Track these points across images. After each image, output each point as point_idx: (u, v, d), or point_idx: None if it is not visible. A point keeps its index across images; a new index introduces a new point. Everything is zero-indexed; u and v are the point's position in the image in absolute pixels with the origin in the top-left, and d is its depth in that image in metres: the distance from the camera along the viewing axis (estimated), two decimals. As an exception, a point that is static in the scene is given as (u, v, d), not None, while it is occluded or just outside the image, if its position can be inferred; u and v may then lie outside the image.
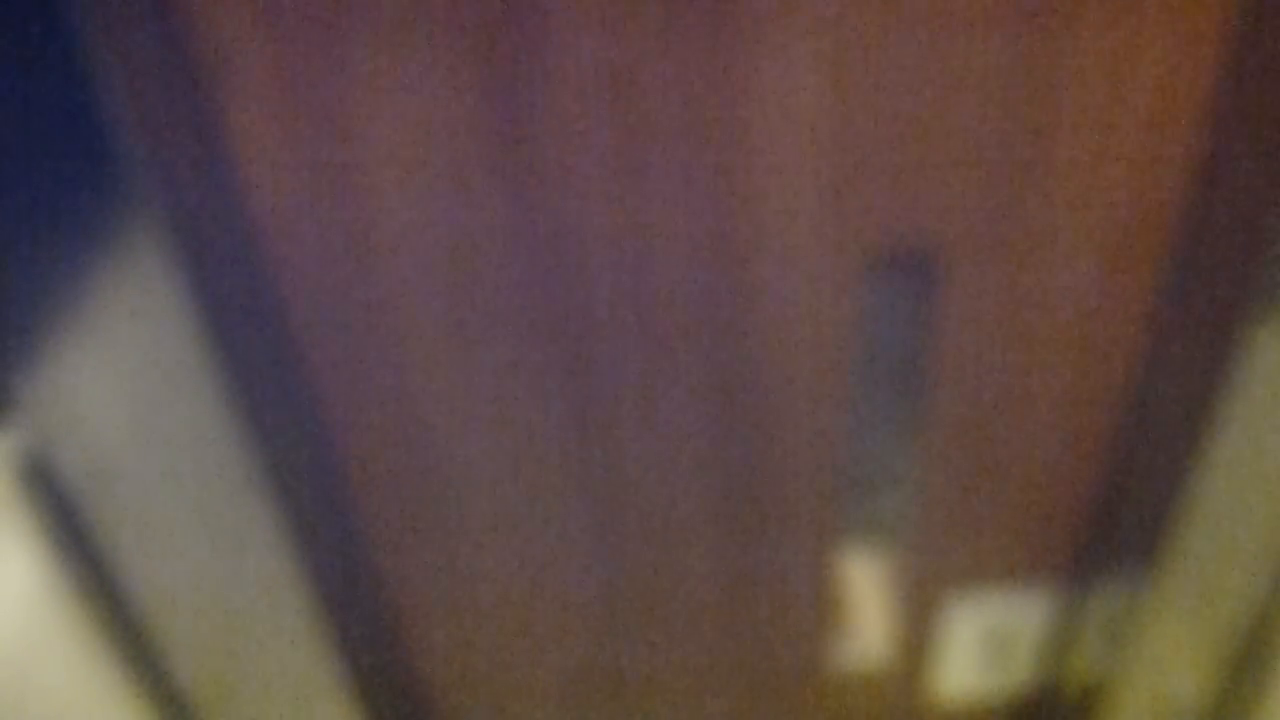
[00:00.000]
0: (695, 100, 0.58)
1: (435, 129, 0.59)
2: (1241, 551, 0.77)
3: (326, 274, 0.65)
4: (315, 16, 0.54)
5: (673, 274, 0.66)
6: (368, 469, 0.76)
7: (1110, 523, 0.80)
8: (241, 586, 0.74)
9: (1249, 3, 0.58)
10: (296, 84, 0.57)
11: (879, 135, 0.61)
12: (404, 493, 0.78)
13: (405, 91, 0.57)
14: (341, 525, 0.79)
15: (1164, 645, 0.84)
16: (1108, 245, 0.66)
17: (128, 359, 0.60)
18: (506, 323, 0.68)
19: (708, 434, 0.77)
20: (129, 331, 0.58)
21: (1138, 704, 0.90)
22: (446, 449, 0.76)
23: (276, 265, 0.64)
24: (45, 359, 0.61)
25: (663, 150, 0.60)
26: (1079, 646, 0.89)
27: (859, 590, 0.90)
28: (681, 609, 0.91)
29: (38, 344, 0.60)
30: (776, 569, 0.82)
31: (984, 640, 0.89)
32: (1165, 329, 0.70)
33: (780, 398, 0.75)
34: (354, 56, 0.56)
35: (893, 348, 0.76)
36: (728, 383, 0.74)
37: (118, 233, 0.54)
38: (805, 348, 0.71)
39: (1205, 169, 0.64)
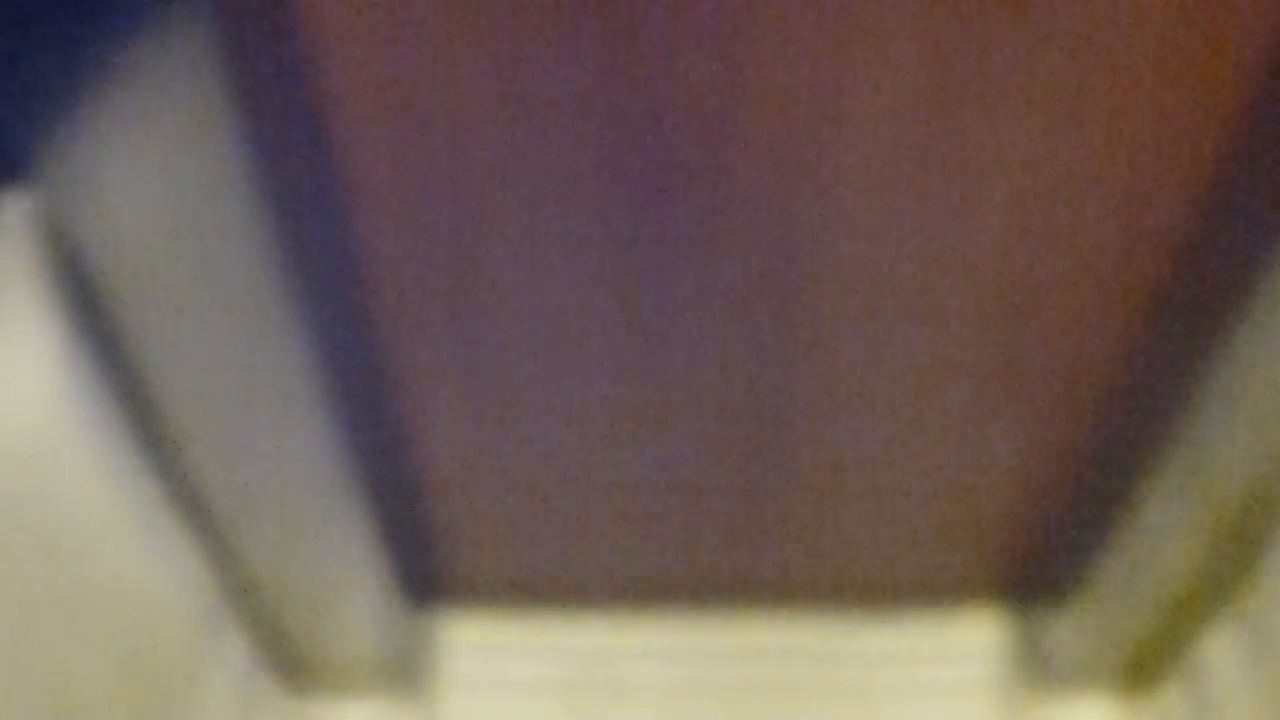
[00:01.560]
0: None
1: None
2: (1244, 428, 0.78)
3: (375, 60, 0.63)
4: None
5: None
6: (397, 274, 0.77)
7: None
8: (259, 376, 0.75)
9: None
10: None
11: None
12: (429, 290, 0.79)
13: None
14: (362, 320, 0.81)
15: (1158, 511, 0.86)
16: None
17: (154, 130, 0.59)
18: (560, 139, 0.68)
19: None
20: (156, 101, 0.57)
21: (1127, 563, 0.91)
22: (486, 261, 0.77)
23: (318, 41, 0.61)
24: (67, 122, 0.57)
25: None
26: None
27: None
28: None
29: (59, 105, 0.56)
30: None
31: None
32: None
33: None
34: None
35: None
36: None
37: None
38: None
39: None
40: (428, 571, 1.13)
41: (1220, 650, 0.94)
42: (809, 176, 0.72)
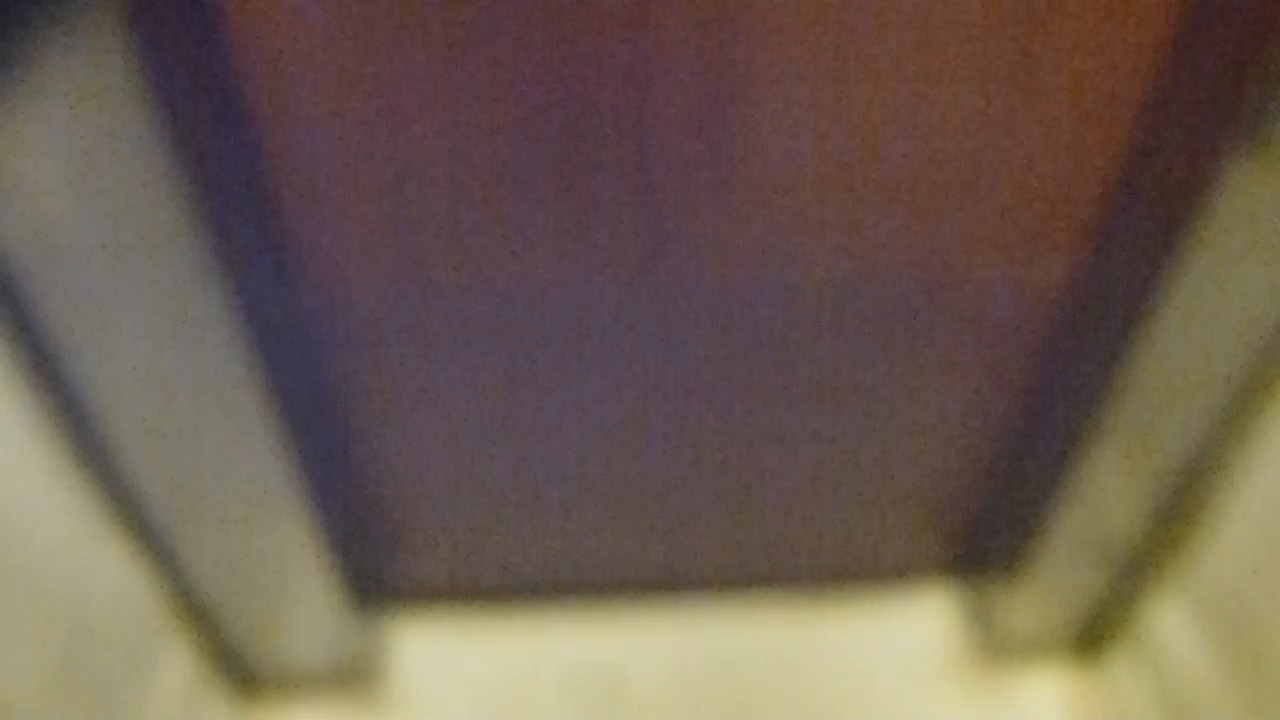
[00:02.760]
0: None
1: None
2: (1185, 392, 0.79)
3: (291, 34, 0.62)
4: None
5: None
6: (328, 253, 0.75)
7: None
8: (189, 370, 0.73)
9: None
10: None
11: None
12: (370, 292, 0.79)
13: None
14: (296, 311, 0.80)
15: (1101, 482, 0.86)
16: None
17: (71, 125, 0.58)
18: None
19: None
20: (73, 93, 0.56)
21: (1073, 534, 0.92)
22: (426, 261, 0.76)
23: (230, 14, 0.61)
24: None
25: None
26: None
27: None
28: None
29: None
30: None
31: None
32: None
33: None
34: None
35: None
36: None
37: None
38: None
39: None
40: (377, 576, 1.12)
41: (1168, 617, 0.95)
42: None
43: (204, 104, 0.64)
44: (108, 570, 0.80)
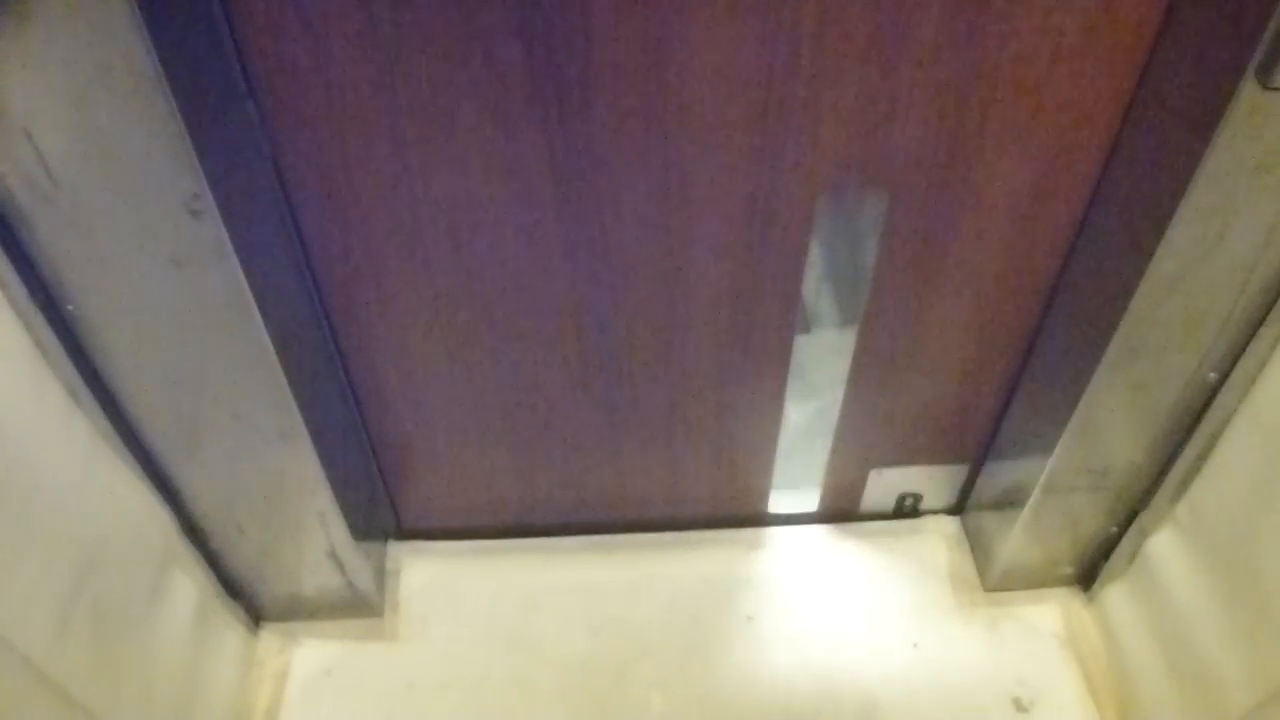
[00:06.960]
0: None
1: None
2: (1187, 326, 0.80)
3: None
4: None
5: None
6: (315, 188, 0.77)
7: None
8: (189, 299, 0.73)
9: None
10: None
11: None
12: (353, 205, 0.79)
13: None
14: (291, 235, 0.80)
15: (1103, 415, 0.85)
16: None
17: (70, 63, 0.57)
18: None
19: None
20: (70, 33, 0.56)
21: (1074, 466, 0.91)
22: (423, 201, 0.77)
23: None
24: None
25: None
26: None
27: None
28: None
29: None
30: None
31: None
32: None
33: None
34: None
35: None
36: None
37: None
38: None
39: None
40: (383, 505, 1.12)
41: (1165, 547, 0.95)
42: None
43: (198, 34, 0.63)
44: (115, 502, 0.80)
